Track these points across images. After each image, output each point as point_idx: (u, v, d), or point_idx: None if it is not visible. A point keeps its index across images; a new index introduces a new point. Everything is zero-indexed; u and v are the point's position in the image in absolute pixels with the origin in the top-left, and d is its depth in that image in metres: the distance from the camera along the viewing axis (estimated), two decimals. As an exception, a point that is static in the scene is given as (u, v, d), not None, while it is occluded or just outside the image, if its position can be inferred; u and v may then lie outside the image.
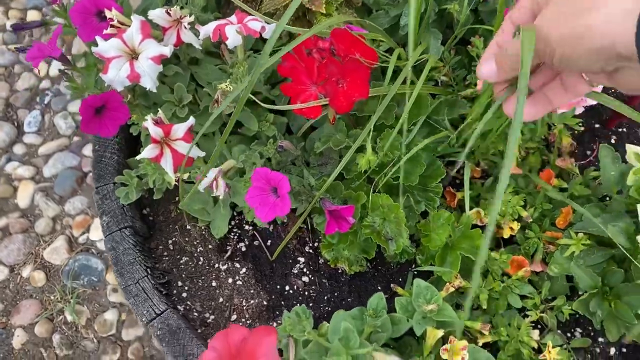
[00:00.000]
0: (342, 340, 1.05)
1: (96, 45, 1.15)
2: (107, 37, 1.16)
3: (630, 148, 1.26)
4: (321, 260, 1.40)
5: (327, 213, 1.17)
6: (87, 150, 1.87)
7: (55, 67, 1.92)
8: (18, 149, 1.88)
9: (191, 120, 1.16)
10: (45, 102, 1.93)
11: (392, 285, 1.25)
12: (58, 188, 1.83)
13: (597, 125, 1.50)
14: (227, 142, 1.31)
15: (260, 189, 1.17)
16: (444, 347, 1.11)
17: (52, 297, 1.71)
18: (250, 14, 1.18)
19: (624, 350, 1.31)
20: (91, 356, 1.67)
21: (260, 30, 1.16)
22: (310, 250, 1.42)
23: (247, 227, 1.45)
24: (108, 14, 1.16)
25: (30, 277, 1.74)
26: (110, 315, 1.70)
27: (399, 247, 1.20)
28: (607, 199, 1.30)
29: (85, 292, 1.71)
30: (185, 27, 1.18)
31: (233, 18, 1.18)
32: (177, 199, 1.47)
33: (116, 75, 1.14)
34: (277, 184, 1.14)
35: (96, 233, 1.77)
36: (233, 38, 1.14)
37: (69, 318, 1.69)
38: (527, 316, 1.26)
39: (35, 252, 1.77)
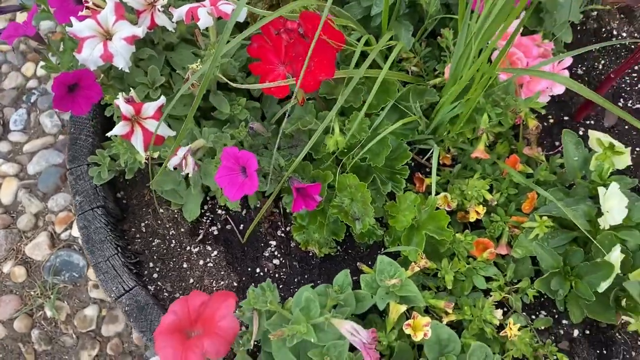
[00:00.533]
0: (303, 310, 1.06)
1: (71, 26, 1.18)
2: (82, 19, 1.19)
3: (593, 134, 1.29)
4: (292, 244, 1.42)
5: (294, 191, 1.19)
6: (72, 148, 1.89)
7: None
8: (3, 147, 1.90)
9: (162, 99, 1.19)
10: (32, 101, 1.96)
11: (358, 263, 1.26)
12: (42, 185, 1.84)
13: (565, 118, 1.52)
14: (200, 126, 1.34)
15: (229, 169, 1.18)
16: (407, 322, 1.13)
17: (32, 293, 1.72)
18: (225, 0, 1.21)
19: (587, 332, 1.32)
20: (69, 351, 1.67)
21: (231, 13, 1.19)
22: (282, 234, 1.43)
23: (220, 211, 1.47)
24: (83, -4, 1.19)
25: (11, 273, 1.74)
26: (91, 311, 1.70)
27: (365, 226, 1.22)
28: (574, 186, 1.32)
29: (66, 288, 1.72)
30: (159, 10, 1.21)
31: (206, 1, 1.21)
32: (150, 182, 1.49)
33: (90, 55, 1.17)
34: (245, 162, 1.16)
35: (79, 229, 1.78)
36: (204, 19, 1.17)
37: (49, 314, 1.70)
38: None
39: (16, 247, 1.78)
